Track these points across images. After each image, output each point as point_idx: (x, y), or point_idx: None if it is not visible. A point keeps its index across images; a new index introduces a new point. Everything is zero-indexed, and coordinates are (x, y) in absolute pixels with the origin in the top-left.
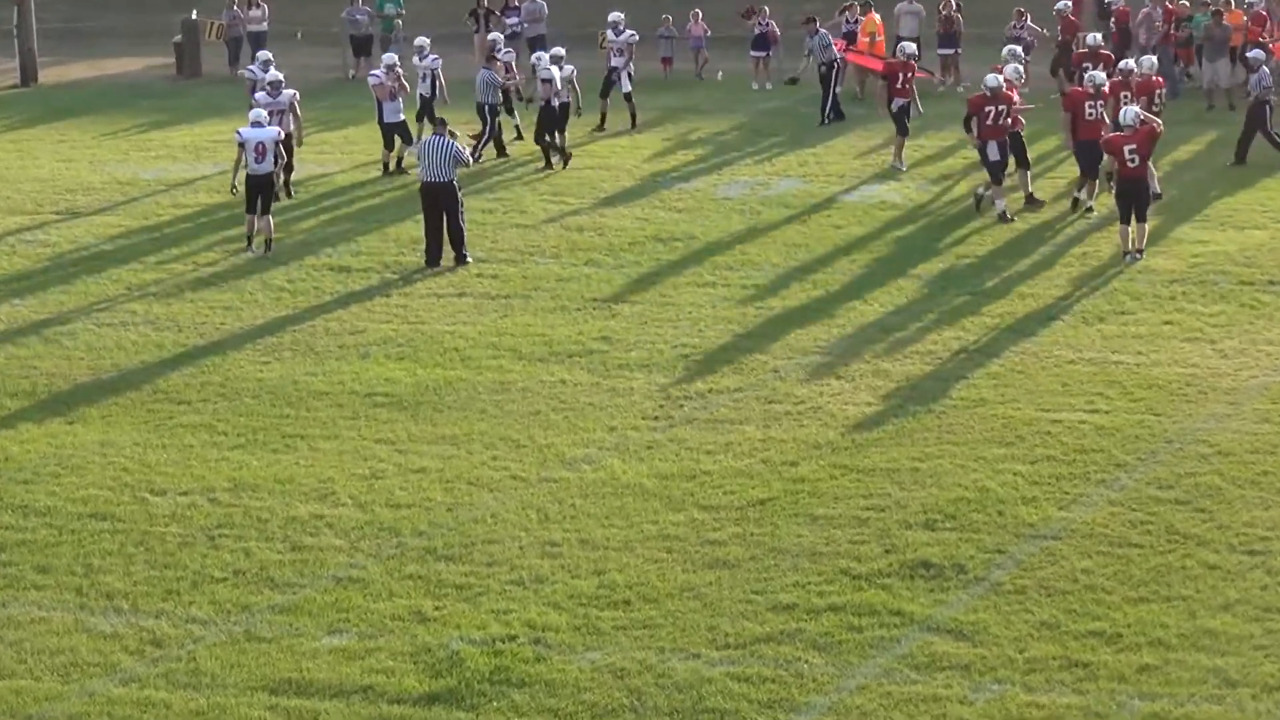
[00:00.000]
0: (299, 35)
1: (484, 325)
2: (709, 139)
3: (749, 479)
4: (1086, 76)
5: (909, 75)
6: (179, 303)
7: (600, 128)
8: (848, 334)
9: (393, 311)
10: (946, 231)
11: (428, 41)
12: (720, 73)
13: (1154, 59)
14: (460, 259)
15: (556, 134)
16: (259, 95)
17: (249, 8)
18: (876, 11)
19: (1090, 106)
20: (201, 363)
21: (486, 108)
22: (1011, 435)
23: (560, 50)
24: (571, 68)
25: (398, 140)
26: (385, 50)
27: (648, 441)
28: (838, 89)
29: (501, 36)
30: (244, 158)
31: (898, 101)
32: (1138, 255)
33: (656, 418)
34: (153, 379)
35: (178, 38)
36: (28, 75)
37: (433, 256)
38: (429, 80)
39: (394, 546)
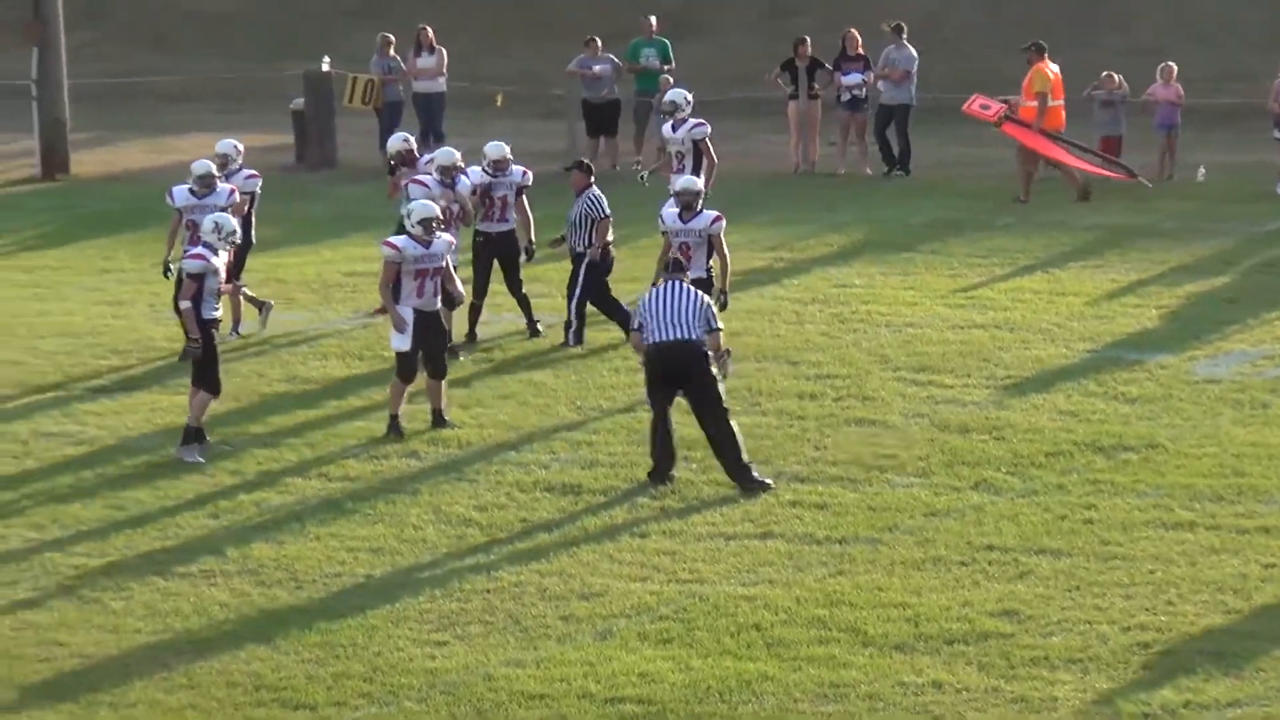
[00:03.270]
0: (498, 100)
1: (804, 587)
2: (1181, 275)
3: None
4: None
5: None
6: (296, 539)
7: None
8: None
9: (651, 560)
10: None
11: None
12: (1203, 170)
13: None
14: (747, 481)
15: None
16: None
17: (417, 53)
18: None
19: None
20: (330, 637)
21: None
22: None
23: None
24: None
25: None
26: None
27: None
28: None
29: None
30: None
31: None
32: None
33: None
34: (245, 648)
35: (298, 102)
36: (53, 162)
37: (662, 468)
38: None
39: None
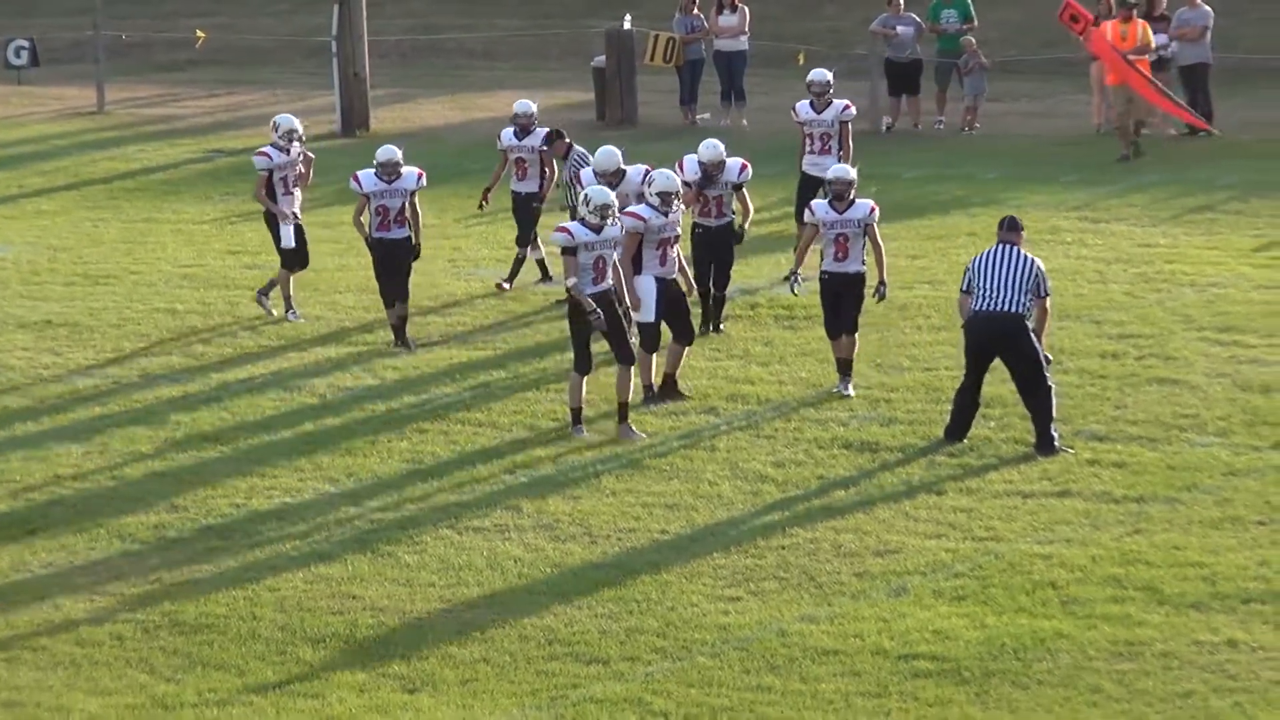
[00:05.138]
0: (800, 59)
1: (1101, 546)
2: None
3: None
4: None
5: None
6: (591, 495)
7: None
8: None
9: (947, 518)
10: None
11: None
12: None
13: None
14: (1048, 452)
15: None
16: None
17: (719, 12)
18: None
19: None
20: (624, 592)
21: None
22: None
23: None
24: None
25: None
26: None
27: None
28: None
29: None
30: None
31: None
32: None
33: None
34: (538, 602)
35: (599, 60)
36: (353, 117)
37: (956, 428)
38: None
39: None
